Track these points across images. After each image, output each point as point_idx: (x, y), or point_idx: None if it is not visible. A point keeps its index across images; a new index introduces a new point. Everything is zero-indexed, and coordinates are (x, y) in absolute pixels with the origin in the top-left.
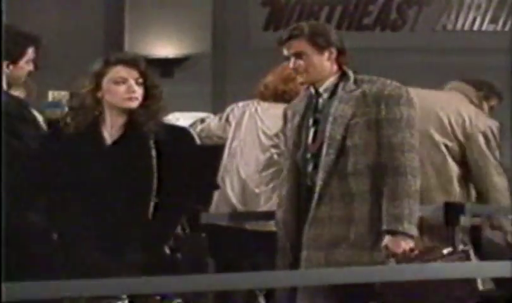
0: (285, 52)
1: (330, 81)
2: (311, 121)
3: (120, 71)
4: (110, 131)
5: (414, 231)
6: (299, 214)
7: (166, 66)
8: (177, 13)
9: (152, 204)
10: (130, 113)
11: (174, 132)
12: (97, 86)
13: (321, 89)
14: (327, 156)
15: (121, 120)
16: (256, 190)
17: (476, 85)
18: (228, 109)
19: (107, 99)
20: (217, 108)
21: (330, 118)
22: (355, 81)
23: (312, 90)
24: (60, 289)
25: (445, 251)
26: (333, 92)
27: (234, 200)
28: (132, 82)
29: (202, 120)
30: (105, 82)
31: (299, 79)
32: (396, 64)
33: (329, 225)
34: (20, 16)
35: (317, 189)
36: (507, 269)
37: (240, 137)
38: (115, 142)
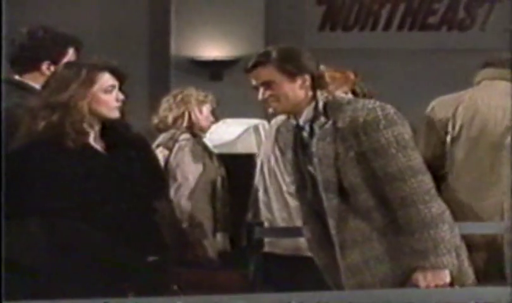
0: (253, 82)
1: (308, 111)
2: (302, 158)
3: (108, 78)
4: (94, 141)
5: (445, 262)
6: (333, 257)
7: (215, 68)
8: (227, 12)
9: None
10: (104, 121)
11: (143, 140)
12: (90, 96)
13: (301, 122)
14: (328, 201)
15: (97, 128)
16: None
17: None
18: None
19: (94, 108)
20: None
21: (316, 160)
22: (325, 111)
23: (293, 121)
24: None
25: None
26: (312, 125)
27: (271, 215)
28: (117, 90)
29: (255, 128)
30: (95, 90)
31: (270, 110)
32: (464, 66)
33: (358, 270)
34: (60, 17)
35: (335, 239)
36: (506, 295)
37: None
38: (110, 153)
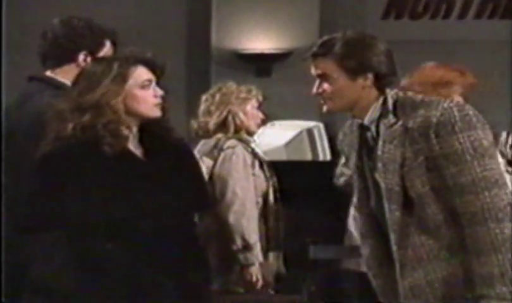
0: (312, 71)
1: (374, 109)
2: (367, 164)
3: (144, 72)
4: (132, 145)
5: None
6: (391, 278)
7: (262, 63)
8: None
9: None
10: (143, 122)
11: (185, 147)
12: (124, 93)
13: (366, 122)
14: (391, 213)
15: (135, 130)
16: None
17: None
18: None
19: (131, 107)
20: (325, 114)
21: (380, 164)
22: (394, 110)
23: (358, 121)
24: None
25: None
26: (378, 125)
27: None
28: (155, 85)
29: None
30: (129, 86)
31: (323, 107)
32: None
33: (421, 292)
34: (93, 5)
35: (395, 255)
36: None
37: None
38: (149, 160)
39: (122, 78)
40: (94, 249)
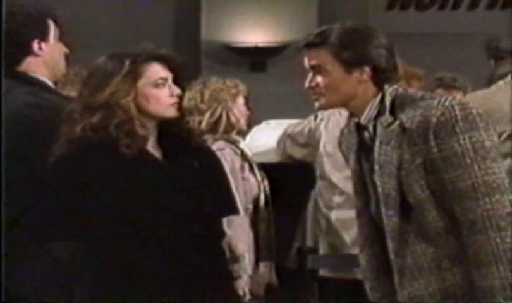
0: (305, 63)
1: (371, 107)
2: (366, 166)
3: (158, 70)
4: (151, 147)
5: None
6: (389, 290)
7: (256, 57)
8: None
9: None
10: (160, 122)
11: (209, 150)
12: (136, 92)
13: (363, 120)
14: (388, 220)
15: (153, 129)
16: None
17: None
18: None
19: (143, 106)
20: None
21: (377, 167)
22: (392, 108)
23: (355, 120)
24: None
25: None
26: (376, 124)
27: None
28: (172, 83)
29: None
30: (141, 85)
31: (315, 103)
32: None
33: None
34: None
35: (393, 264)
36: None
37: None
38: (169, 160)
39: (134, 76)
40: (115, 258)
